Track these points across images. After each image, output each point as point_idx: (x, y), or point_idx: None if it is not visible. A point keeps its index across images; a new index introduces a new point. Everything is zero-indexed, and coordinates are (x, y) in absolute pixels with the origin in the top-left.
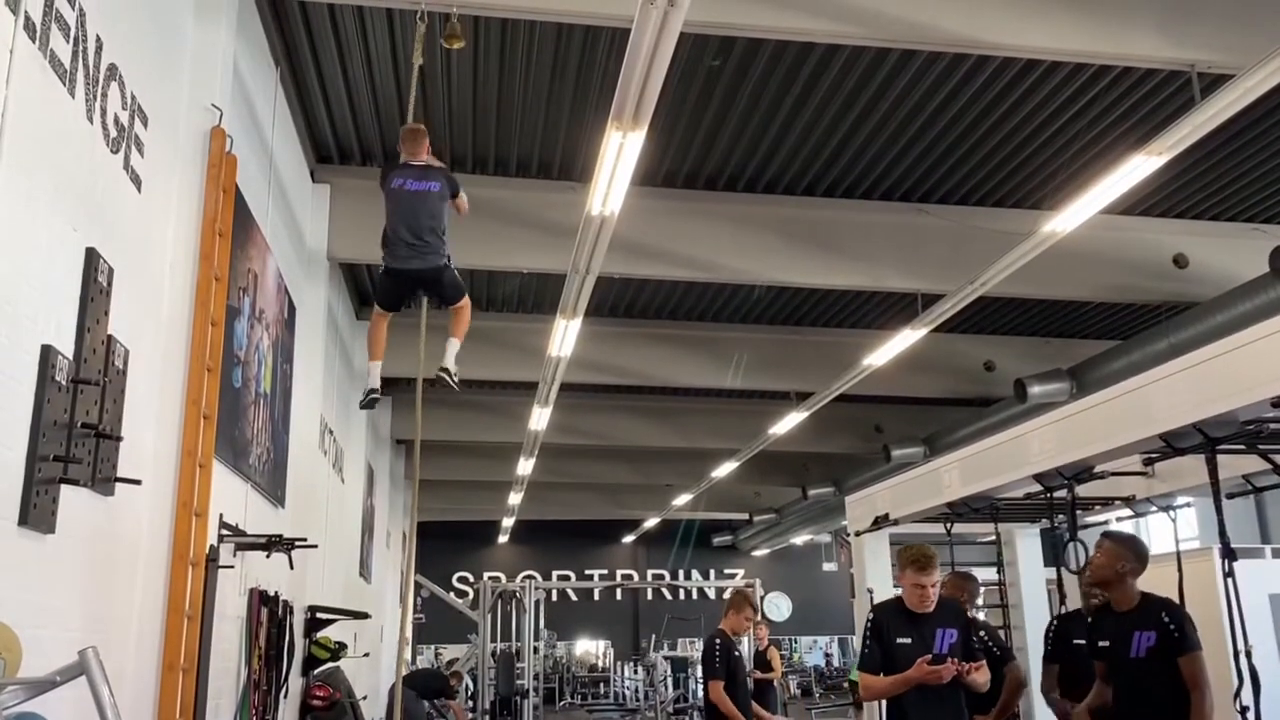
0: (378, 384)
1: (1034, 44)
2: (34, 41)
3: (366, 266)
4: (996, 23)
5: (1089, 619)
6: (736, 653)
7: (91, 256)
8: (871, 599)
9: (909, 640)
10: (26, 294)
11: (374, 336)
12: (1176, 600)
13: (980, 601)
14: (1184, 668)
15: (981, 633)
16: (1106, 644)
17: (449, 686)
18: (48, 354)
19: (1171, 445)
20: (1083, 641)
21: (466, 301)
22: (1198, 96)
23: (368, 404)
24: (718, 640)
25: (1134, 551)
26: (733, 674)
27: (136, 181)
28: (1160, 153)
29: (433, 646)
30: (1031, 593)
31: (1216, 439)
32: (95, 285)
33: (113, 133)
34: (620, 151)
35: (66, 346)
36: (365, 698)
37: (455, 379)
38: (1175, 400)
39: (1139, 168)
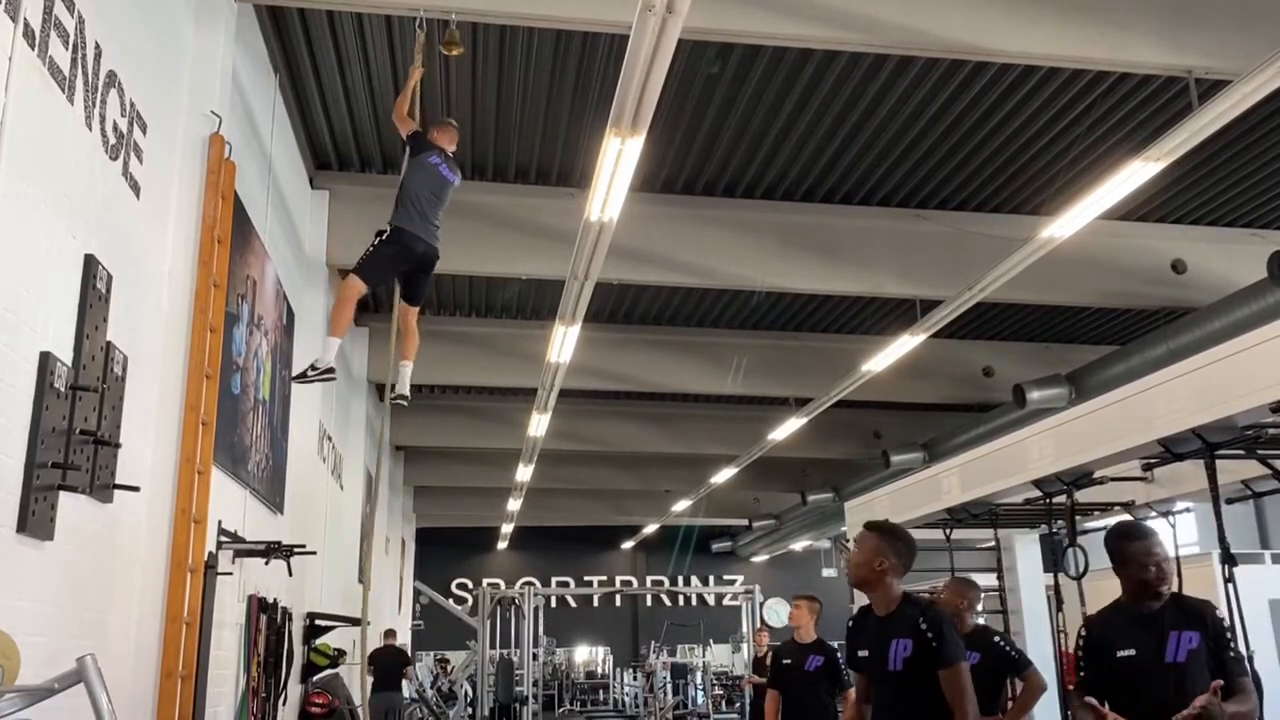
0: (333, 362)
1: (1032, 50)
2: (33, 49)
3: None
4: (994, 28)
5: (849, 623)
6: (786, 660)
7: (90, 263)
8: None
9: (1133, 651)
10: (25, 300)
11: (346, 312)
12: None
13: (980, 607)
14: (943, 683)
15: (996, 638)
16: (866, 654)
17: (405, 656)
18: (46, 361)
19: (1171, 451)
20: (1129, 652)
21: (416, 311)
22: (1195, 102)
23: (313, 378)
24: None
25: (894, 545)
26: (777, 684)
27: (135, 188)
28: (1158, 158)
29: (432, 652)
30: (1031, 599)
31: (1216, 444)
32: (94, 292)
33: (112, 139)
34: (619, 157)
35: (65, 353)
36: (364, 705)
37: (408, 400)
38: (1174, 406)
39: (1137, 173)
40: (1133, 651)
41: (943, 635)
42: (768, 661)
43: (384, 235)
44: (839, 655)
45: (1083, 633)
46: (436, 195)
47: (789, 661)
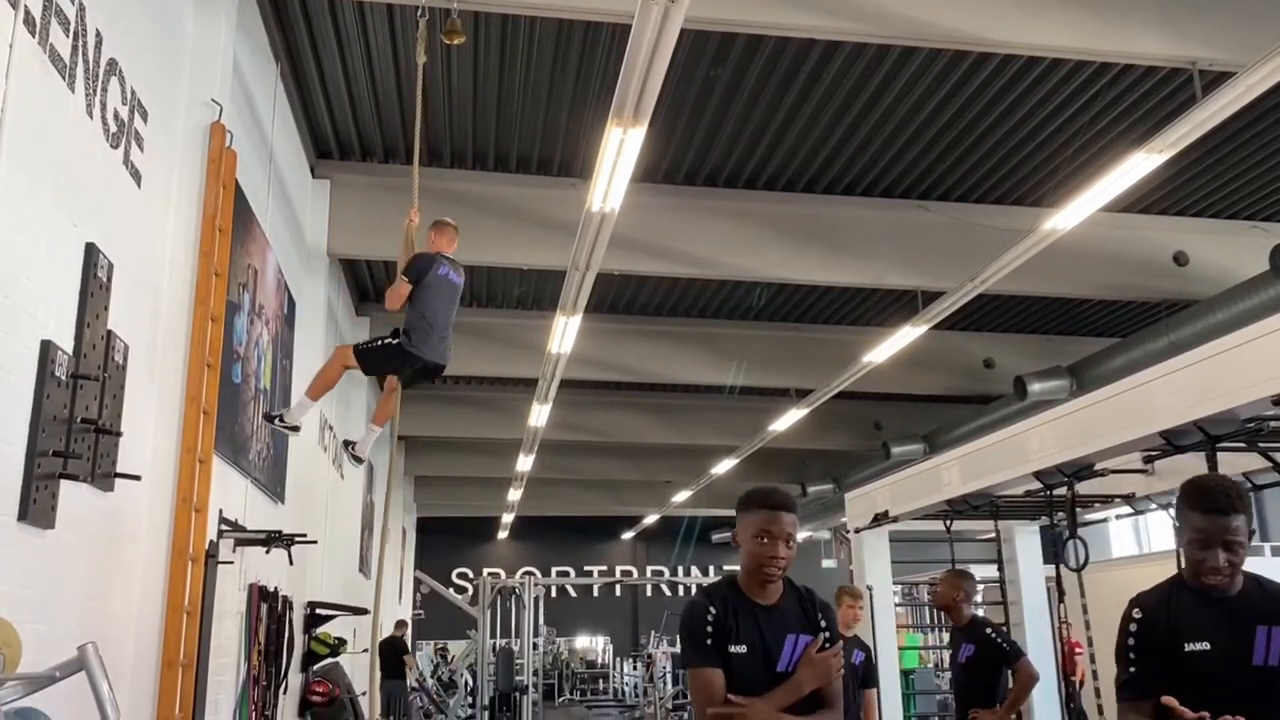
0: (301, 422)
1: (1035, 41)
2: (34, 36)
3: (366, 263)
4: (998, 20)
5: (710, 609)
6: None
7: (91, 252)
8: (871, 596)
9: (1206, 645)
10: (26, 289)
11: (328, 380)
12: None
13: (980, 599)
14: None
15: (988, 630)
16: (744, 650)
17: (403, 645)
18: (47, 349)
19: (1172, 443)
20: (1202, 646)
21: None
22: (1199, 94)
23: (279, 427)
24: None
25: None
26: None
27: (136, 177)
28: (1161, 150)
29: (433, 642)
30: (1031, 590)
31: (1217, 437)
32: (95, 280)
33: (112, 128)
34: (620, 148)
35: (66, 342)
36: (364, 694)
37: (358, 460)
38: (1175, 398)
39: (1140, 165)
40: (1206, 646)
41: (837, 637)
42: None
43: (394, 342)
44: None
45: (1135, 615)
46: (449, 304)
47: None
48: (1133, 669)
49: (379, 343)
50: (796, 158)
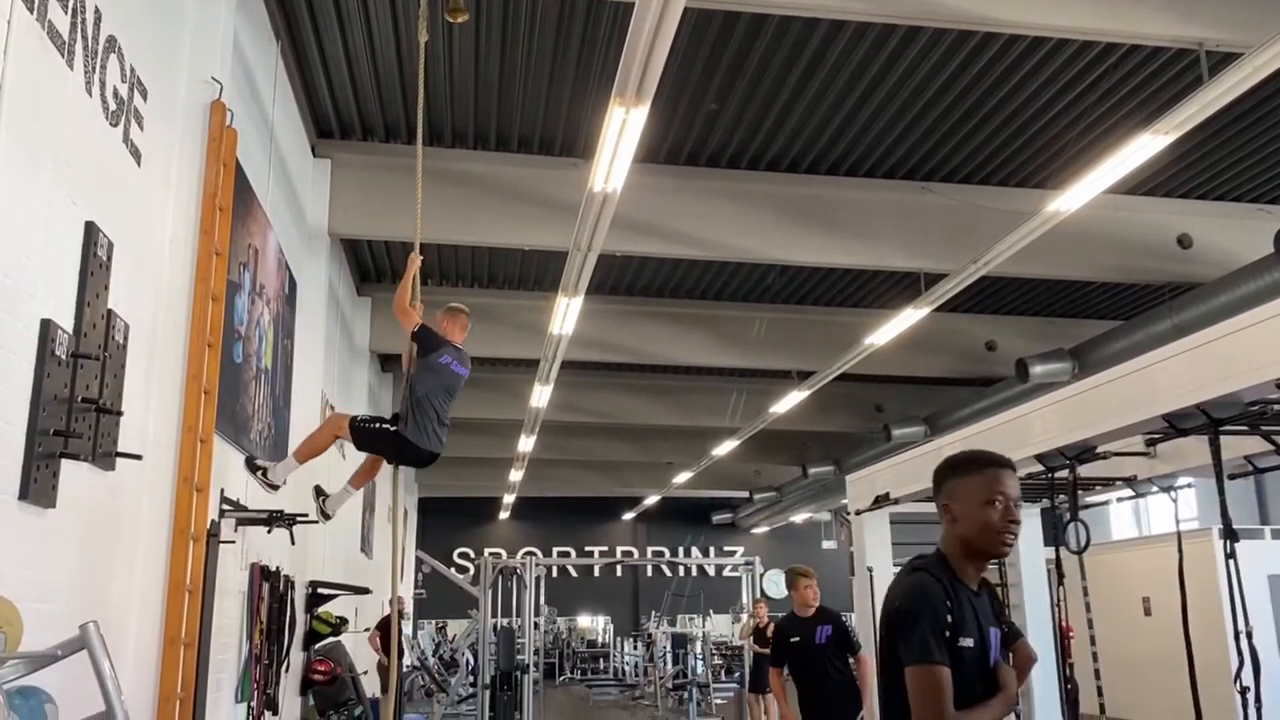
0: (280, 482)
1: (1040, 21)
2: (31, 12)
3: (368, 242)
4: None
5: (946, 597)
6: (794, 638)
7: (91, 230)
8: (871, 577)
9: None
10: (26, 268)
11: (318, 447)
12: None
13: None
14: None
15: None
16: (971, 643)
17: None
18: (48, 328)
19: (1174, 426)
20: None
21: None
22: (1205, 75)
23: (260, 480)
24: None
25: None
26: (783, 660)
27: (136, 155)
28: (1166, 132)
29: (434, 621)
30: (1031, 573)
31: (1220, 420)
32: (95, 259)
33: (112, 105)
34: (623, 128)
35: (66, 321)
36: (366, 672)
37: (326, 516)
38: (1178, 381)
39: (1145, 147)
40: None
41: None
42: (768, 634)
43: (392, 430)
44: (846, 621)
45: None
46: (449, 394)
47: (798, 639)
48: None
49: (378, 425)
50: (799, 138)
